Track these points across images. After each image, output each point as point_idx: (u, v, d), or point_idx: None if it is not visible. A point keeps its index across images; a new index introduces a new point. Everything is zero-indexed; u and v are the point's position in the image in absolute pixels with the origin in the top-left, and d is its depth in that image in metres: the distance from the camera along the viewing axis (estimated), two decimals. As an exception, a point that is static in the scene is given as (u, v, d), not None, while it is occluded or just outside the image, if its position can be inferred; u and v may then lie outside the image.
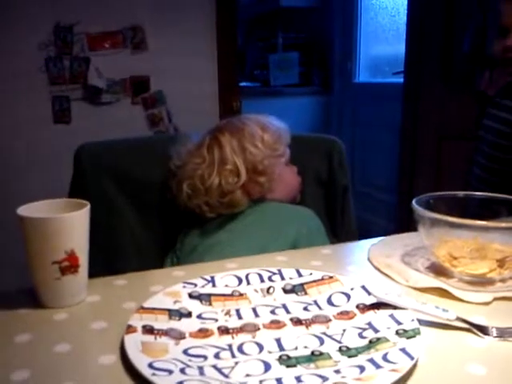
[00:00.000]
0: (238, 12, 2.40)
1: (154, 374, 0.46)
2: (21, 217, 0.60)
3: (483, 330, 0.56)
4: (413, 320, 0.56)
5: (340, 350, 0.53)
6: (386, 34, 3.33)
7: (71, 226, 0.61)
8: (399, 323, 0.56)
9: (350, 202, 1.23)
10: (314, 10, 3.77)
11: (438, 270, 0.73)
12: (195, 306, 0.62)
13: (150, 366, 0.48)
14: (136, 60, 2.12)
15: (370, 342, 0.54)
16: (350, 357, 0.51)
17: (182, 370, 0.48)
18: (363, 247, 0.85)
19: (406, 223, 0.76)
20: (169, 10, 2.13)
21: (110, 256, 1.09)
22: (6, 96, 1.99)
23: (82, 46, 2.04)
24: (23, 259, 0.63)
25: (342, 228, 1.22)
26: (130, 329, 0.54)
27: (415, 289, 0.68)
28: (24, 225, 0.60)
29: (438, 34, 2.32)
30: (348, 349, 0.53)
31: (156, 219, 1.14)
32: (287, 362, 0.51)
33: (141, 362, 0.48)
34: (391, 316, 0.58)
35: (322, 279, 0.68)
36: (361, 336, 0.55)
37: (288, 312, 0.62)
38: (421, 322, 0.56)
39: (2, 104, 1.99)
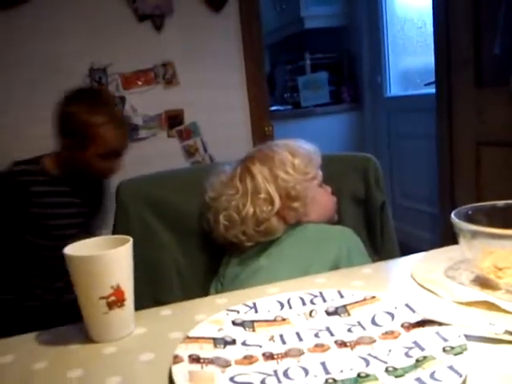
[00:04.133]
0: (264, 38, 2.45)
1: (202, 403, 0.47)
2: (67, 256, 0.63)
3: (534, 342, 0.54)
4: (459, 336, 0.55)
5: (386, 370, 0.52)
6: (415, 45, 3.31)
7: (115, 261, 0.64)
8: (445, 340, 0.55)
9: (389, 219, 1.21)
10: (339, 29, 3.79)
11: (483, 282, 0.71)
12: (239, 333, 0.63)
13: (198, 395, 0.49)
14: (169, 95, 2.19)
15: (417, 360, 0.53)
16: (396, 377, 0.51)
17: (230, 398, 0.49)
18: (404, 264, 0.84)
19: (450, 234, 0.75)
20: (197, 44, 2.20)
21: (156, 288, 1.11)
22: (48, 139, 2.08)
23: (117, 85, 2.13)
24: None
25: (382, 245, 1.21)
26: (177, 359, 0.56)
27: (461, 303, 0.67)
28: (71, 263, 0.63)
29: (466, 40, 2.30)
30: (395, 369, 0.52)
31: (198, 248, 1.16)
32: (333, 385, 0.51)
33: (189, 392, 0.49)
34: (437, 333, 0.57)
35: (365, 299, 0.68)
36: (407, 355, 0.55)
37: (332, 334, 0.62)
38: (468, 337, 0.55)
39: (45, 146, 2.08)
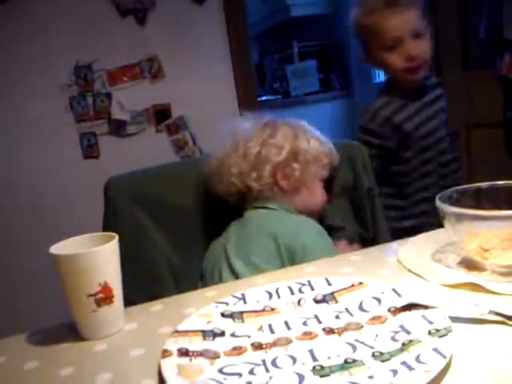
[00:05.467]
0: (251, 27, 2.44)
1: (190, 396, 0.48)
2: (52, 255, 0.63)
3: (517, 321, 0.55)
4: (444, 318, 0.56)
5: (373, 355, 0.53)
6: (401, 29, 3.30)
7: (101, 259, 0.64)
8: (431, 323, 0.56)
9: (378, 204, 1.22)
10: (326, 16, 3.78)
11: (469, 264, 0.72)
12: (228, 325, 0.63)
13: (187, 387, 0.49)
14: (155, 89, 2.18)
15: (403, 344, 0.54)
16: (383, 361, 0.51)
17: (218, 389, 0.49)
18: (393, 249, 0.85)
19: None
20: (181, 37, 2.19)
21: (149, 283, 1.11)
22: (35, 138, 2.08)
23: (103, 82, 2.11)
24: (62, 295, 0.66)
25: (374, 231, 1.21)
26: (166, 353, 0.56)
27: (447, 286, 0.67)
28: (56, 262, 0.63)
29: (452, 23, 2.30)
30: (381, 353, 0.53)
31: (188, 243, 1.16)
32: (321, 371, 0.51)
33: (177, 385, 0.50)
34: (423, 316, 0.57)
35: (352, 286, 0.68)
36: (393, 339, 0.55)
37: (320, 322, 0.62)
38: (453, 319, 0.56)
39: (32, 146, 2.08)
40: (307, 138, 1.10)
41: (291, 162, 1.08)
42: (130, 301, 0.73)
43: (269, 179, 1.07)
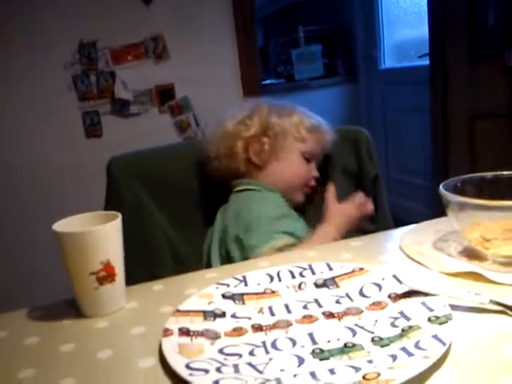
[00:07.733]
0: (256, 10, 2.41)
1: (191, 374, 0.48)
2: (55, 232, 0.63)
3: (517, 311, 0.55)
4: (445, 306, 0.56)
5: (372, 340, 0.53)
6: (409, 17, 3.27)
7: (104, 237, 0.64)
8: (431, 310, 0.56)
9: (382, 192, 1.21)
10: (333, 0, 3.73)
11: (470, 253, 0.72)
12: (229, 306, 0.64)
13: (187, 366, 0.50)
14: (159, 69, 2.16)
15: (403, 330, 0.54)
16: (382, 346, 0.52)
17: (218, 369, 0.50)
18: (395, 236, 0.85)
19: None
20: (187, 17, 2.17)
21: (149, 262, 1.12)
22: (38, 116, 2.07)
23: (107, 60, 2.10)
24: (64, 272, 0.66)
25: (376, 218, 1.21)
26: (167, 332, 0.56)
27: (448, 274, 0.67)
28: (59, 240, 0.63)
29: (461, 11, 2.27)
30: (380, 339, 0.53)
31: (189, 224, 1.16)
32: (320, 355, 0.52)
33: (178, 363, 0.50)
34: (423, 303, 0.58)
35: (353, 271, 0.69)
36: (393, 325, 0.56)
37: (320, 306, 0.62)
38: (453, 307, 0.56)
39: (35, 124, 2.07)
40: (280, 113, 1.12)
41: (261, 136, 1.10)
42: (129, 279, 0.73)
43: (242, 155, 1.10)
